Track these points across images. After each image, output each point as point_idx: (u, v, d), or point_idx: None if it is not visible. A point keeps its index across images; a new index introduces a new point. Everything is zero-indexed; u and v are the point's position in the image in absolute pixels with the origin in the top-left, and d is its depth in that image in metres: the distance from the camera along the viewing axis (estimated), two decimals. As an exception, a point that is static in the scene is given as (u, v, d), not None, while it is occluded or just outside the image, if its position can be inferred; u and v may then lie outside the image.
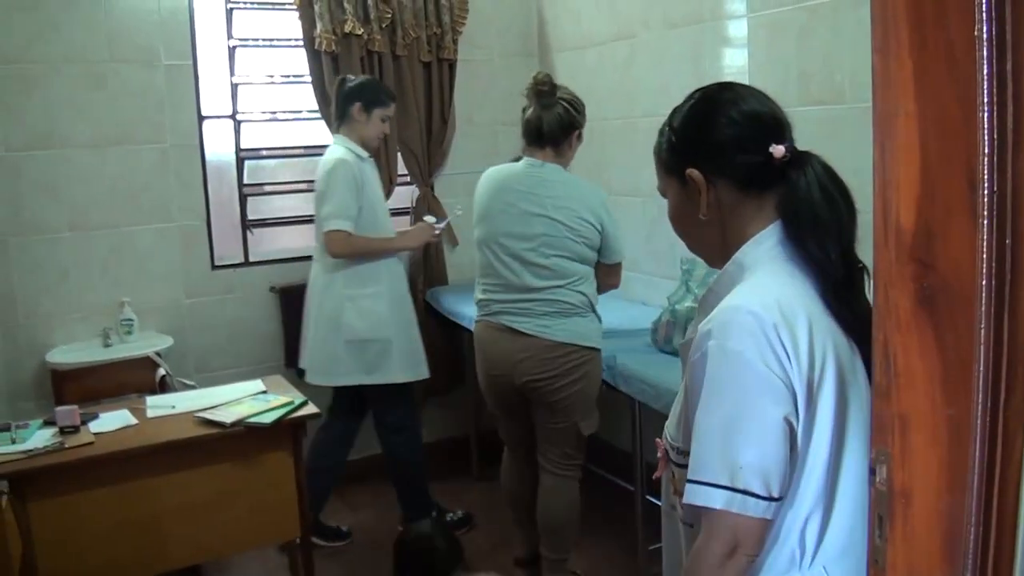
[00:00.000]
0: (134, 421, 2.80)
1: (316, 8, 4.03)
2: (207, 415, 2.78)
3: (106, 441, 2.66)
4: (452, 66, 4.41)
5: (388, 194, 4.31)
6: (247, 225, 4.24)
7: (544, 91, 2.95)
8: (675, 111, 1.42)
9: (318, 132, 4.25)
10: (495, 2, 4.63)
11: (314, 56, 4.09)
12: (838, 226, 1.29)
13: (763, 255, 1.32)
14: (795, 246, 1.30)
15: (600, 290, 3.08)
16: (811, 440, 1.23)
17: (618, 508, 3.85)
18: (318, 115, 4.16)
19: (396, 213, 4.40)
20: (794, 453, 1.23)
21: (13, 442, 2.61)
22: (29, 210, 3.72)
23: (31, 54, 3.65)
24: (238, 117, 4.19)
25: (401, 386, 3.65)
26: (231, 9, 4.12)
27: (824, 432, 1.23)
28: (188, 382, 3.58)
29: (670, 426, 1.41)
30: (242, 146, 4.21)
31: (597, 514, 3.83)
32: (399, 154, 4.35)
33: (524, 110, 3.01)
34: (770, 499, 1.20)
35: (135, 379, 3.58)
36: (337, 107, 3.61)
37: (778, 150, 1.30)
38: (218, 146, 4.16)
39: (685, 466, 1.28)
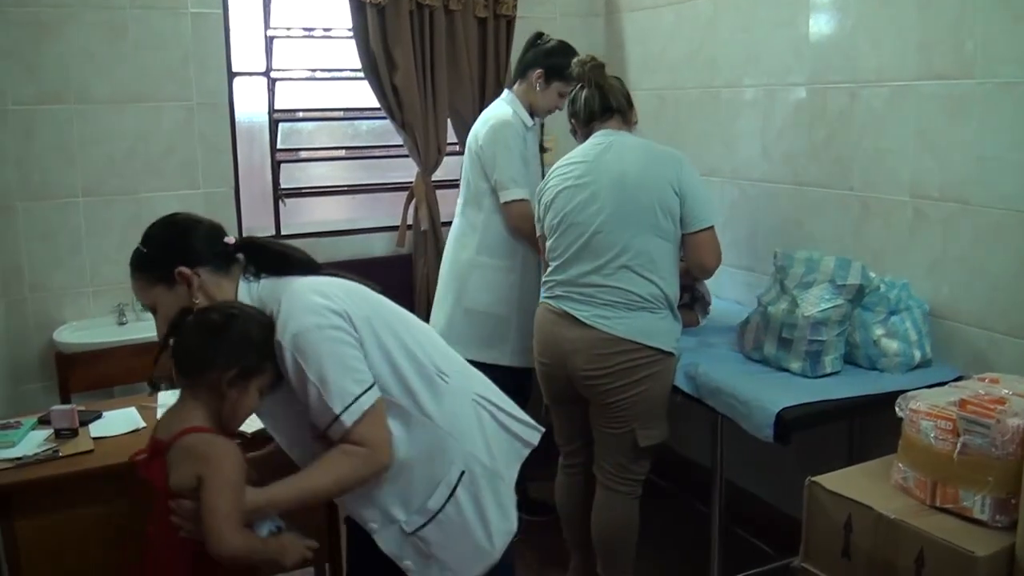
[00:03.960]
0: (142, 424, 2.42)
1: (362, -46, 3.60)
2: (224, 422, 2.39)
3: (107, 449, 2.27)
4: (511, 23, 3.96)
5: (435, 165, 3.90)
6: (280, 195, 3.85)
7: (600, 67, 2.83)
8: (147, 236, 1.87)
9: (361, 94, 3.85)
10: (560, -47, 4.18)
11: (359, 9, 3.66)
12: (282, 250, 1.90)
13: (273, 283, 1.84)
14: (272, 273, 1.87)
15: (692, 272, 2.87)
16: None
17: (691, 529, 3.46)
18: (361, 75, 3.74)
19: (442, 186, 3.99)
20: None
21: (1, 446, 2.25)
22: (39, 172, 3.36)
23: (45, -3, 3.28)
24: (272, 74, 3.79)
25: (517, 376, 3.21)
26: (267, -47, 3.70)
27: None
28: (208, 371, 3.20)
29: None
30: (276, 107, 3.82)
31: (668, 536, 3.45)
32: (448, 120, 3.92)
33: (574, 99, 2.86)
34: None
35: (150, 364, 3.21)
36: (519, 62, 3.38)
37: (230, 239, 1.89)
38: (249, 106, 3.78)
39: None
